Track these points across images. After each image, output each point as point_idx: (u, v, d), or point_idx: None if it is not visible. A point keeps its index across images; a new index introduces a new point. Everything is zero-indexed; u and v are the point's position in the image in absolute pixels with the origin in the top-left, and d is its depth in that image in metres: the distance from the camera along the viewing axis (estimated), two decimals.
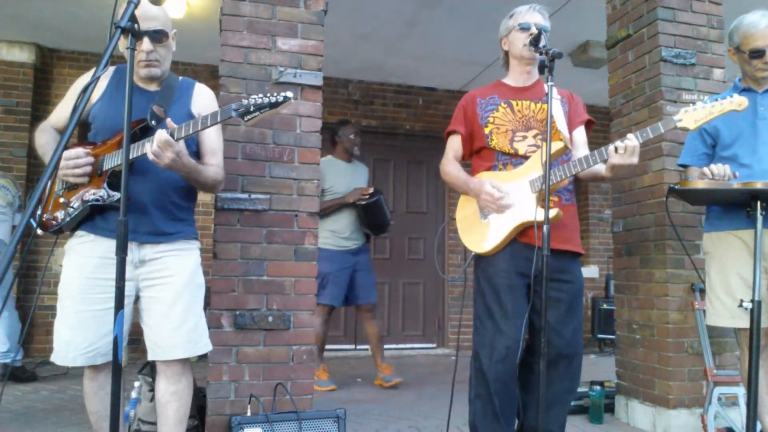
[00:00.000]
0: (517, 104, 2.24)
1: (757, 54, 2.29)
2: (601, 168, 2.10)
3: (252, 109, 1.77)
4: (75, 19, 4.68)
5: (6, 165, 4.99)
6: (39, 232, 1.94)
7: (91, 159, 1.88)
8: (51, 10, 4.55)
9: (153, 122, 1.90)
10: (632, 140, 1.94)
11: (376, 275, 4.29)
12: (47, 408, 3.29)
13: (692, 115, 1.94)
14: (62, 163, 1.81)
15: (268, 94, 1.78)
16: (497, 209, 2.13)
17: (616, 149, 1.95)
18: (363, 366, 4.32)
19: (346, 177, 4.14)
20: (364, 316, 4.20)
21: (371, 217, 4.05)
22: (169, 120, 1.79)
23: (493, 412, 2.12)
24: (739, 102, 1.91)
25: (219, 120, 1.80)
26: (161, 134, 1.74)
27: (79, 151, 1.88)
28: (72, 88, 2.06)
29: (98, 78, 1.42)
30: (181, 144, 1.80)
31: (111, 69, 2.02)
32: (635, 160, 1.96)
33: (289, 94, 1.77)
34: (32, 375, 4.06)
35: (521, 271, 2.12)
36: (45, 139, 2.03)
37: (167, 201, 1.95)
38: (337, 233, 4.12)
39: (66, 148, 1.40)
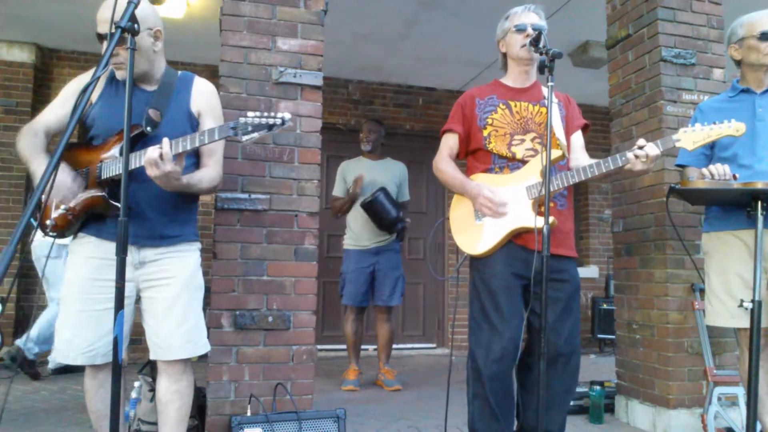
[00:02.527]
0: (515, 105, 2.24)
1: (765, 36, 2.29)
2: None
3: (250, 129, 1.77)
4: (75, 19, 4.68)
5: (6, 165, 5.00)
6: (40, 234, 1.94)
7: (78, 184, 1.86)
8: (51, 10, 4.55)
9: (148, 128, 1.87)
10: (653, 149, 1.99)
11: (403, 277, 4.17)
12: (47, 408, 3.29)
13: (690, 137, 2.02)
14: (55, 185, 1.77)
15: (266, 115, 1.78)
16: (493, 215, 2.14)
17: (636, 156, 1.99)
18: (364, 366, 4.32)
19: (367, 175, 4.09)
20: (377, 317, 4.18)
21: (372, 216, 3.99)
22: (165, 140, 1.77)
23: (491, 412, 2.12)
24: (736, 128, 1.98)
25: (216, 138, 1.79)
26: (151, 152, 1.74)
27: (68, 182, 1.84)
28: (63, 92, 2.01)
29: (98, 78, 1.42)
30: (170, 166, 1.76)
31: (109, 69, 2.00)
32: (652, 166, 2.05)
33: (287, 115, 1.78)
34: (36, 374, 4.06)
35: (517, 273, 2.12)
36: (27, 141, 1.93)
37: (167, 205, 1.95)
38: (355, 232, 4.14)
39: (65, 147, 1.39)
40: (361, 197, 4.04)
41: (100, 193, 1.87)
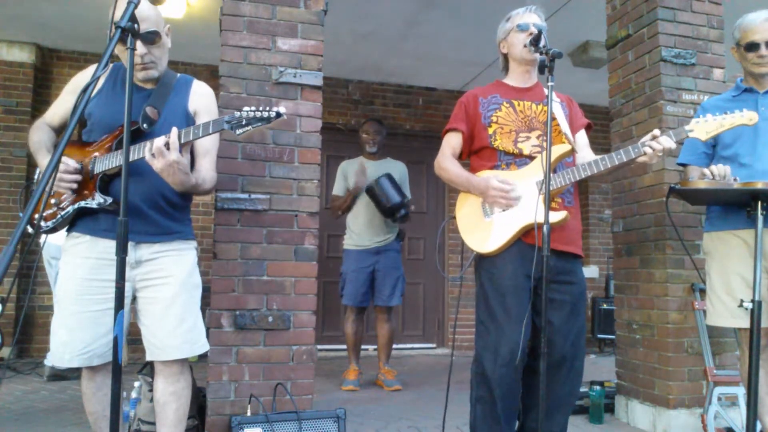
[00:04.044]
0: (519, 104, 2.23)
1: (751, 47, 2.32)
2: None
3: (244, 122, 1.77)
4: (75, 19, 4.69)
5: (6, 165, 5.00)
6: (30, 230, 1.92)
7: (78, 177, 1.88)
8: (51, 10, 4.55)
9: (144, 125, 1.88)
10: (668, 141, 1.99)
11: (403, 277, 4.17)
12: (47, 408, 3.29)
13: (703, 126, 2.00)
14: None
15: (261, 109, 1.78)
16: (506, 204, 2.10)
17: (653, 148, 2.00)
18: (364, 366, 4.32)
19: (368, 174, 4.09)
20: (377, 317, 4.18)
21: (377, 202, 3.96)
22: (174, 129, 1.78)
23: (494, 416, 2.10)
24: (749, 117, 1.97)
25: (210, 131, 1.80)
26: (157, 141, 1.75)
27: (70, 163, 1.87)
28: (68, 86, 2.05)
29: (98, 78, 1.42)
30: (176, 155, 1.77)
31: (109, 66, 2.00)
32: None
33: (282, 109, 1.78)
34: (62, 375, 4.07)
35: (528, 273, 2.07)
36: (38, 136, 2.01)
37: (162, 201, 1.94)
38: (355, 232, 4.14)
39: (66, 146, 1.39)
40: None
41: (91, 189, 1.87)
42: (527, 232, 2.09)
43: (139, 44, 1.86)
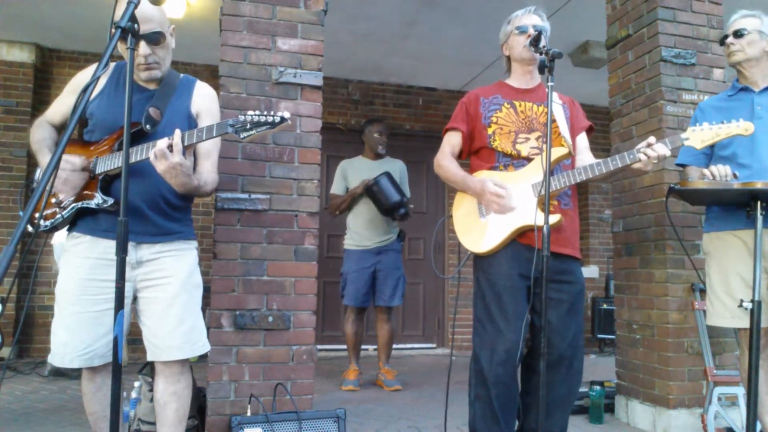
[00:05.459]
0: (520, 105, 2.24)
1: (724, 39, 2.38)
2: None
3: (248, 126, 1.77)
4: (75, 19, 4.69)
5: (6, 165, 5.00)
6: (30, 229, 1.92)
7: (85, 174, 1.88)
8: (51, 10, 4.55)
9: (147, 126, 1.88)
10: (663, 149, 1.99)
11: (404, 277, 4.17)
12: (47, 408, 3.29)
13: (699, 135, 2.01)
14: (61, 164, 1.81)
15: (266, 113, 1.78)
16: (500, 210, 2.11)
17: (647, 155, 1.99)
18: (364, 366, 4.32)
19: (367, 174, 4.07)
20: (377, 317, 4.18)
21: (376, 201, 3.96)
22: (177, 131, 1.78)
23: (492, 414, 2.11)
24: (745, 127, 1.98)
25: (214, 134, 1.80)
26: (160, 143, 1.75)
27: (76, 161, 1.87)
28: (69, 85, 2.05)
29: (98, 78, 1.41)
30: (179, 157, 1.77)
31: (111, 65, 2.00)
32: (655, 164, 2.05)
33: (287, 114, 1.78)
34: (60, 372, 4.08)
35: (522, 273, 2.10)
36: (40, 134, 2.01)
37: (162, 201, 1.94)
38: (356, 232, 4.13)
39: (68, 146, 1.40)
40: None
41: (93, 189, 1.87)
42: (522, 233, 2.10)
43: (143, 44, 1.87)
